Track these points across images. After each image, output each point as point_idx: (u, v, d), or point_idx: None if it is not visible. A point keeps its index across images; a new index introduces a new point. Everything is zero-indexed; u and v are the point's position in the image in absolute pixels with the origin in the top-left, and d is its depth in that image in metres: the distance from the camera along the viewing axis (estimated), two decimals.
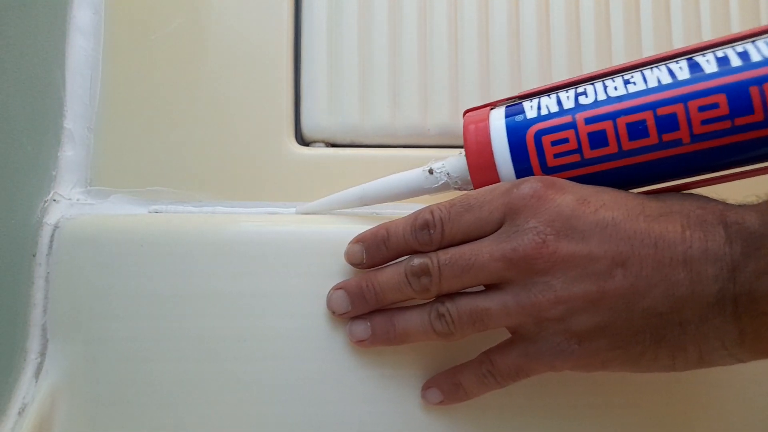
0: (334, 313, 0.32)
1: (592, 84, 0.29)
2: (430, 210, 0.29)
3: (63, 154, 0.36)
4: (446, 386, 0.31)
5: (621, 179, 0.28)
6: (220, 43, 0.37)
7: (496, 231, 0.28)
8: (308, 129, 0.38)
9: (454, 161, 0.31)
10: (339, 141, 0.39)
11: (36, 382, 0.32)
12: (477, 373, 0.29)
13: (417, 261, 0.29)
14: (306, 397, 0.32)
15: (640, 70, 0.28)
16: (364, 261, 0.31)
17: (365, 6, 0.39)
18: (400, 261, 0.30)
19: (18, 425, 0.30)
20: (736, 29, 0.39)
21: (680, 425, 0.32)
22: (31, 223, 0.33)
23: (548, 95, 0.30)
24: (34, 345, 0.32)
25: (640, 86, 0.27)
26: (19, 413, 0.31)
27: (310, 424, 0.32)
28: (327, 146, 0.38)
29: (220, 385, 0.32)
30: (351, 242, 0.31)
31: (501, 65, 0.38)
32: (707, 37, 0.39)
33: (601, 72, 0.30)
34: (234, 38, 0.38)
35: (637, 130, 0.27)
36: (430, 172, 0.31)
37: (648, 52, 0.39)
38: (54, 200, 0.34)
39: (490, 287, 0.28)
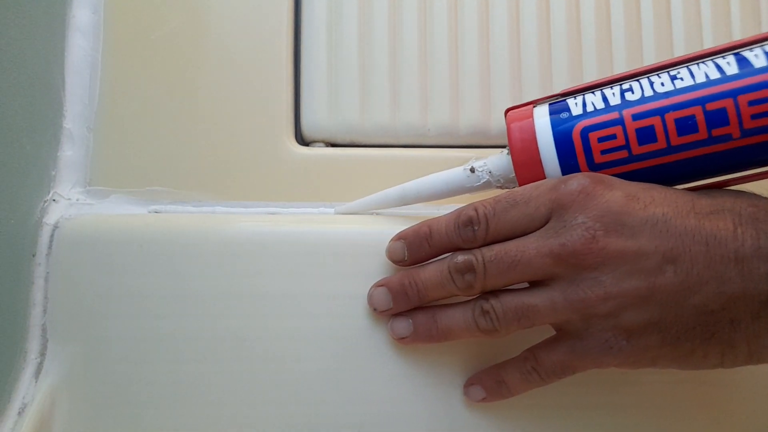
0: (375, 310, 0.32)
1: (637, 80, 0.29)
2: (473, 207, 0.29)
3: (62, 154, 0.36)
4: (489, 383, 0.31)
5: (668, 175, 0.28)
6: (219, 43, 0.37)
7: (541, 227, 0.28)
8: (308, 129, 0.38)
9: (495, 159, 0.31)
10: (339, 141, 0.38)
11: (36, 382, 0.32)
12: (521, 370, 0.29)
13: (461, 258, 0.29)
14: (306, 397, 0.32)
15: (686, 66, 0.28)
16: (406, 258, 0.31)
17: (365, 6, 0.39)
18: (443, 258, 0.30)
19: (18, 425, 0.30)
20: (737, 33, 0.39)
21: (680, 425, 0.32)
22: (30, 223, 0.33)
23: (592, 92, 0.30)
24: (33, 345, 0.32)
25: (688, 82, 0.27)
26: (19, 413, 0.31)
27: (311, 424, 0.32)
28: (327, 146, 0.38)
29: (220, 385, 0.32)
30: (392, 240, 0.31)
31: (501, 65, 0.38)
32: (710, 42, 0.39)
33: (645, 69, 0.30)
34: (234, 38, 0.38)
35: (686, 126, 0.27)
36: (472, 170, 0.32)
37: (649, 58, 0.39)
38: (53, 200, 0.34)
39: (535, 284, 0.28)
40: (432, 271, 0.30)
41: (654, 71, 0.29)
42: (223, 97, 0.37)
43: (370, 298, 0.32)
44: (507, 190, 0.31)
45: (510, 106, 0.32)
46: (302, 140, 0.38)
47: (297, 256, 0.33)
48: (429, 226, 0.30)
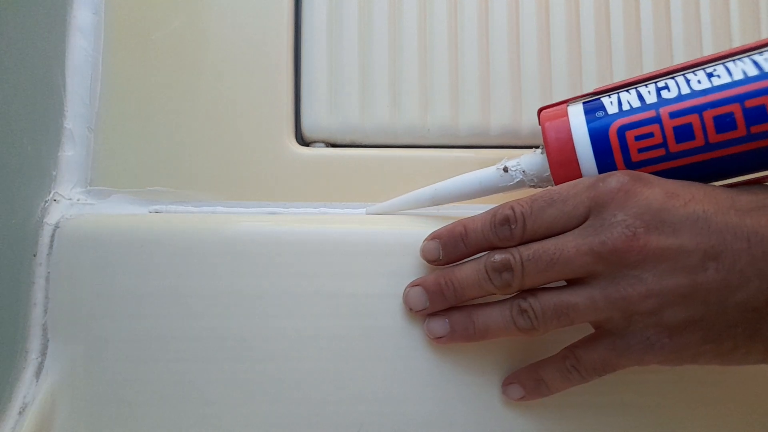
0: (411, 309, 0.32)
1: (673, 78, 0.29)
2: (509, 206, 0.29)
3: (63, 154, 0.36)
4: (528, 382, 0.31)
5: (706, 172, 0.28)
6: (220, 43, 0.37)
7: (579, 226, 0.28)
8: (308, 129, 0.38)
9: (529, 159, 0.31)
10: (339, 141, 0.39)
11: (36, 381, 0.32)
12: (560, 369, 0.29)
13: (498, 257, 0.29)
14: (306, 397, 0.32)
15: (723, 63, 0.28)
16: (441, 258, 0.31)
17: (365, 6, 0.39)
18: (479, 257, 0.30)
19: (18, 425, 0.30)
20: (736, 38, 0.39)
21: (680, 425, 0.32)
22: (31, 223, 0.33)
23: (627, 91, 0.30)
24: (34, 345, 0.32)
25: (725, 79, 0.28)
26: (20, 413, 0.31)
27: (311, 424, 0.32)
28: (327, 146, 0.38)
29: (220, 385, 0.32)
30: (426, 239, 0.31)
31: (501, 65, 0.38)
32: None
33: (679, 66, 0.30)
34: (234, 38, 0.38)
35: (724, 123, 0.27)
36: (505, 170, 0.32)
37: (647, 59, 0.39)
38: (54, 200, 0.34)
39: (574, 282, 0.28)
40: (469, 271, 0.30)
41: (688, 69, 0.29)
42: (223, 98, 0.37)
43: (406, 297, 0.32)
44: (540, 189, 0.31)
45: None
46: (302, 140, 0.38)
47: (298, 256, 0.33)
48: (464, 225, 0.30)
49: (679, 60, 0.39)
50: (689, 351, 0.27)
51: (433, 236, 0.31)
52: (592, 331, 0.29)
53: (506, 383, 0.32)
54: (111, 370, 0.32)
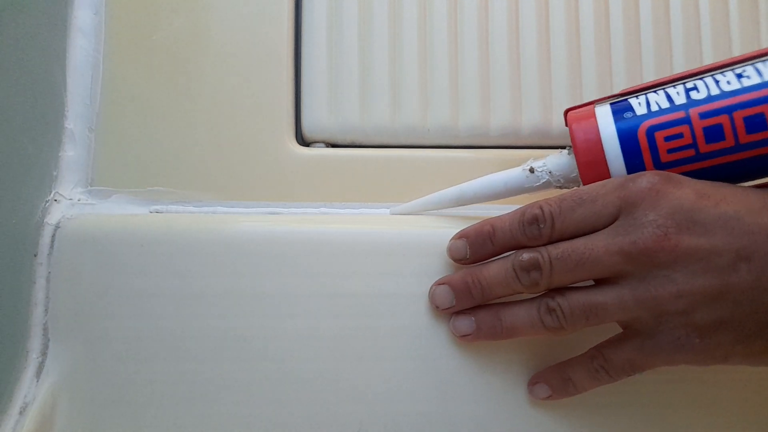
0: (437, 308, 0.32)
1: (701, 79, 0.29)
2: (538, 205, 0.29)
3: (64, 154, 0.36)
4: (555, 381, 0.31)
5: (736, 173, 0.28)
6: (220, 43, 0.37)
7: (608, 226, 0.28)
8: (308, 129, 0.38)
9: (555, 159, 0.32)
10: (339, 141, 0.39)
11: (37, 381, 0.32)
12: (588, 368, 0.29)
13: (526, 255, 0.29)
14: (306, 397, 0.32)
15: (752, 64, 0.28)
16: (468, 257, 0.31)
17: (365, 6, 0.39)
18: (506, 256, 0.30)
19: (19, 424, 0.30)
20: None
21: (680, 425, 0.32)
22: (32, 223, 0.33)
23: (654, 92, 0.30)
24: (35, 344, 0.32)
25: (755, 80, 0.28)
26: (21, 412, 0.31)
27: (311, 424, 0.32)
28: (327, 146, 0.38)
29: (220, 385, 0.32)
30: (453, 238, 0.32)
31: (501, 65, 0.38)
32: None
33: (707, 67, 0.30)
34: (234, 38, 0.38)
35: (754, 123, 0.27)
36: (531, 170, 0.32)
37: (649, 60, 0.39)
38: (55, 200, 0.34)
39: (602, 281, 0.28)
40: (496, 269, 0.30)
41: (717, 70, 0.29)
42: (223, 98, 0.37)
43: (432, 295, 0.32)
44: (567, 190, 0.31)
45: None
46: (303, 141, 0.38)
47: (298, 256, 0.33)
48: (492, 224, 0.30)
49: (678, 61, 0.39)
50: (720, 351, 0.27)
51: (461, 235, 0.31)
52: (619, 330, 0.29)
53: (532, 383, 0.32)
54: (111, 370, 0.32)
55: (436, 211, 0.34)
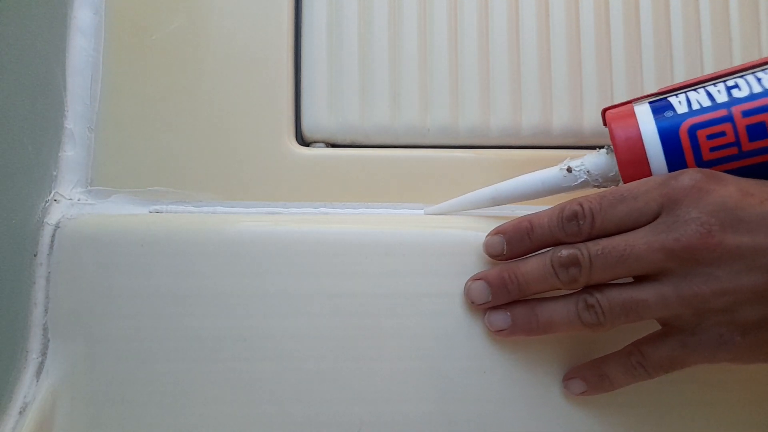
0: (473, 303, 0.32)
1: (743, 77, 0.29)
2: (578, 202, 0.29)
3: (64, 154, 0.36)
4: (591, 377, 0.31)
5: None
6: (220, 43, 0.37)
7: (649, 223, 0.28)
8: (308, 129, 0.38)
9: (593, 159, 0.32)
10: (339, 141, 0.39)
11: (37, 381, 0.32)
12: (625, 365, 0.29)
13: (565, 252, 0.29)
14: (306, 397, 0.32)
15: None
16: (505, 253, 0.31)
17: (365, 6, 0.39)
18: (544, 252, 0.30)
19: (19, 424, 0.30)
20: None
21: (680, 425, 0.32)
22: (32, 223, 0.33)
23: (695, 90, 0.30)
24: (35, 345, 0.32)
25: None
26: (20, 412, 0.31)
27: (311, 424, 0.32)
28: (327, 146, 0.38)
29: (220, 385, 0.32)
30: (490, 234, 0.32)
31: (501, 65, 0.38)
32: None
33: (747, 65, 0.30)
34: (234, 38, 0.38)
35: None
36: (568, 170, 0.32)
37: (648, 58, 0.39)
38: (55, 200, 0.34)
39: (642, 278, 0.28)
40: (534, 265, 0.30)
41: (757, 68, 0.29)
42: (223, 98, 0.37)
43: (468, 291, 0.32)
44: (604, 189, 0.31)
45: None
46: (303, 140, 0.38)
47: (298, 256, 0.33)
48: (530, 220, 0.30)
49: (679, 61, 0.39)
50: (762, 349, 0.27)
51: (498, 231, 0.31)
52: (656, 327, 0.29)
53: (567, 378, 0.32)
54: (111, 369, 0.32)
55: (470, 210, 0.34)
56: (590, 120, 0.38)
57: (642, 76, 0.39)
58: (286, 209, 0.36)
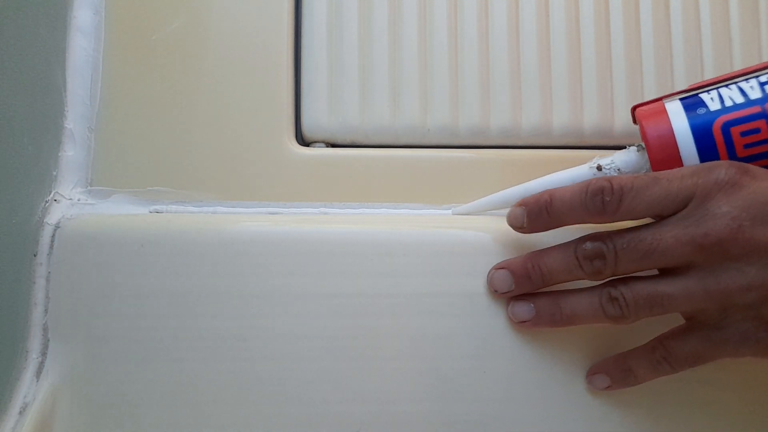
0: (495, 291, 0.32)
1: None
2: (607, 178, 0.28)
3: (64, 154, 0.36)
4: (615, 372, 0.31)
5: None
6: (220, 43, 0.37)
7: (676, 213, 0.27)
8: (308, 129, 0.38)
9: (623, 156, 0.31)
10: (339, 141, 0.39)
11: (37, 381, 0.32)
12: (650, 359, 0.29)
13: (590, 245, 0.28)
14: (306, 397, 0.32)
15: None
16: (525, 225, 0.31)
17: (365, 6, 0.39)
18: (568, 243, 0.30)
19: (19, 424, 0.30)
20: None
21: (680, 425, 0.32)
22: (32, 223, 0.33)
23: (727, 86, 0.30)
24: (35, 344, 0.32)
25: None
26: (20, 412, 0.31)
27: (311, 424, 0.32)
28: (327, 146, 0.38)
29: (220, 385, 0.32)
30: (514, 205, 0.31)
31: (501, 65, 0.38)
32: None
33: None
34: (234, 38, 0.38)
35: None
36: (599, 168, 0.31)
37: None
38: (55, 200, 0.34)
39: (667, 271, 0.28)
40: (558, 256, 0.30)
41: None
42: (223, 98, 0.37)
43: (491, 279, 0.32)
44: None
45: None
46: (303, 141, 0.38)
47: (298, 256, 0.33)
48: (551, 194, 0.30)
49: (679, 62, 0.39)
50: None
51: (520, 203, 0.31)
52: (680, 321, 0.29)
53: (591, 373, 0.32)
54: (111, 370, 0.32)
55: (497, 211, 0.34)
56: (590, 120, 0.38)
57: (642, 75, 0.39)
58: (286, 209, 0.36)
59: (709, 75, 0.39)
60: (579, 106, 0.38)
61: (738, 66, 0.39)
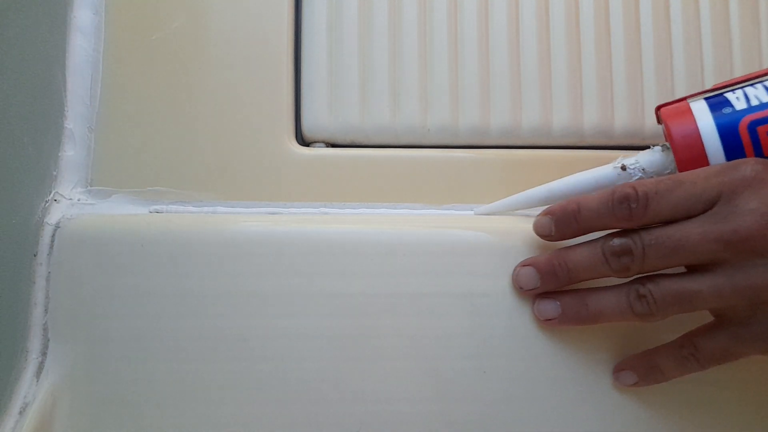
0: (521, 289, 0.32)
1: None
2: (631, 185, 0.28)
3: (64, 154, 0.36)
4: (642, 369, 0.31)
5: None
6: (220, 43, 0.37)
7: (704, 212, 0.27)
8: (308, 129, 0.38)
9: (648, 156, 0.31)
10: (339, 141, 0.39)
11: (37, 381, 0.32)
12: (677, 356, 0.29)
13: (618, 241, 0.28)
14: (306, 397, 0.32)
15: None
16: (553, 234, 0.31)
17: (365, 6, 0.39)
18: (595, 240, 0.30)
19: (19, 424, 0.30)
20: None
21: (680, 425, 0.32)
22: (32, 223, 0.33)
23: (752, 85, 0.30)
24: (35, 344, 0.32)
25: None
26: (20, 412, 0.31)
27: (311, 424, 0.32)
28: (327, 146, 0.38)
29: (220, 385, 0.32)
30: (540, 214, 0.31)
31: (501, 65, 0.38)
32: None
33: None
34: (234, 38, 0.38)
35: None
36: (623, 168, 0.31)
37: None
38: (55, 200, 0.34)
39: (695, 268, 0.28)
40: (584, 253, 0.30)
41: None
42: (223, 98, 0.37)
43: (516, 276, 0.32)
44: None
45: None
46: (303, 141, 0.38)
47: (298, 256, 0.33)
48: (578, 203, 0.30)
49: (679, 62, 0.39)
50: None
51: (547, 212, 0.31)
52: (708, 318, 0.29)
53: (618, 369, 0.32)
54: (111, 369, 0.32)
55: (521, 211, 0.34)
56: (590, 120, 0.38)
57: (642, 75, 0.39)
58: (286, 209, 0.36)
59: (709, 75, 0.39)
60: (579, 106, 0.38)
61: (738, 66, 0.39)
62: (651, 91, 0.38)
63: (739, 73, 0.39)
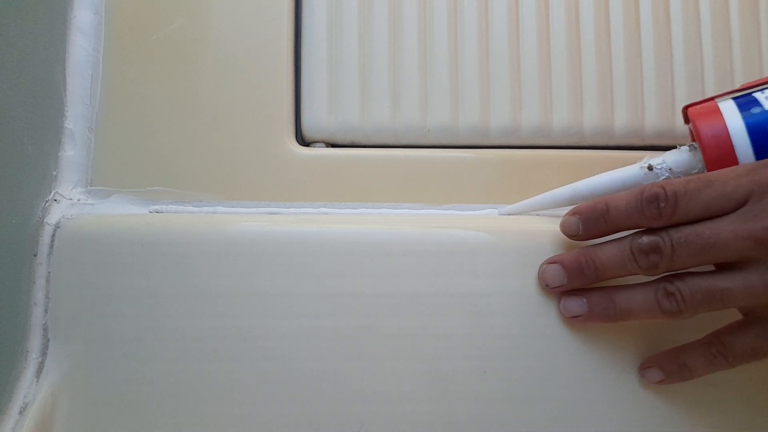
0: (547, 286, 0.32)
1: None
2: (660, 185, 0.28)
3: (64, 154, 0.36)
4: (669, 366, 0.31)
5: None
6: (220, 43, 0.37)
7: (735, 210, 0.27)
8: (308, 129, 0.38)
9: (675, 156, 0.31)
10: (339, 141, 0.39)
11: (37, 381, 0.32)
12: (705, 354, 0.29)
13: (646, 239, 0.28)
14: (306, 397, 0.32)
15: None
16: (580, 233, 0.31)
17: (365, 6, 0.39)
18: (623, 237, 0.30)
19: (19, 424, 0.30)
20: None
21: (680, 425, 0.32)
22: (31, 223, 0.33)
23: None
24: (35, 344, 0.32)
25: None
26: (20, 412, 0.31)
27: (311, 424, 0.32)
28: (327, 146, 0.38)
29: (220, 385, 0.32)
30: (567, 214, 0.31)
31: (501, 65, 0.38)
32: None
33: None
34: (234, 38, 0.38)
35: None
36: (650, 168, 0.31)
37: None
38: (55, 200, 0.34)
39: (725, 266, 0.28)
40: (612, 251, 0.30)
41: None
42: (223, 98, 0.37)
43: (542, 273, 0.32)
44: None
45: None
46: (302, 140, 0.38)
47: (298, 256, 0.33)
48: (606, 202, 0.30)
49: (679, 62, 0.39)
50: None
51: (574, 212, 0.31)
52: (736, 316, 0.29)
53: (644, 367, 0.32)
54: (112, 369, 0.32)
55: (545, 211, 0.34)
56: (590, 120, 0.38)
57: (642, 75, 0.39)
58: (286, 209, 0.36)
59: (710, 75, 0.39)
60: (579, 106, 0.38)
61: (738, 66, 0.39)
62: (651, 91, 0.38)
63: (739, 73, 0.39)
